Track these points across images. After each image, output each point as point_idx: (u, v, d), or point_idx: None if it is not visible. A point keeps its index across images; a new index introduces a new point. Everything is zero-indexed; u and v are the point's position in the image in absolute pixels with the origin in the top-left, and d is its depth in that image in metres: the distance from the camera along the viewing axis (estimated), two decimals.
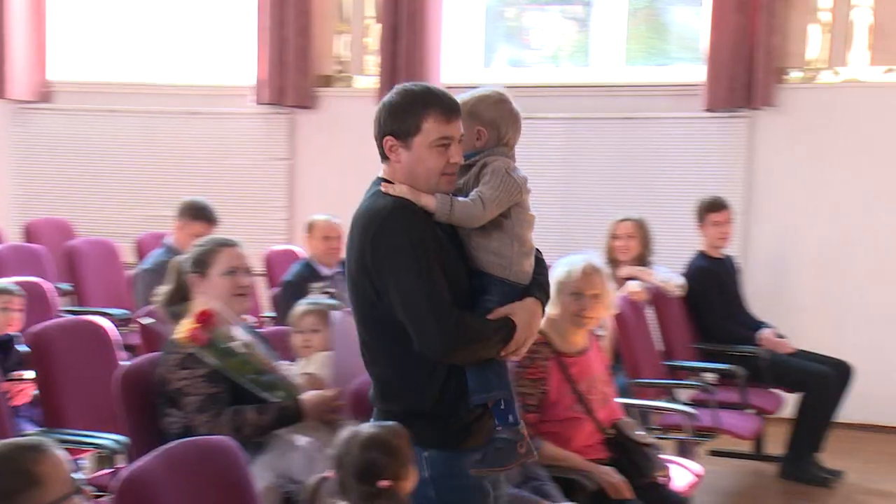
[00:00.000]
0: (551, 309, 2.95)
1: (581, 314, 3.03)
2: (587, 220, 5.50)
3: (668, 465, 3.13)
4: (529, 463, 2.48)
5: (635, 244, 4.61)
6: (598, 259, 3.19)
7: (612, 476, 2.92)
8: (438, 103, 2.27)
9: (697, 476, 3.36)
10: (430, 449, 2.34)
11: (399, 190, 2.28)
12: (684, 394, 4.33)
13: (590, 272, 3.07)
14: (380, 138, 2.32)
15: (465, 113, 2.34)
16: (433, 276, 2.22)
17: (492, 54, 6.22)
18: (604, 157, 5.68)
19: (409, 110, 2.28)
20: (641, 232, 4.63)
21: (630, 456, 3.01)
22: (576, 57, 6.14)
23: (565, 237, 5.15)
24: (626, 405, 3.38)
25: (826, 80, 5.34)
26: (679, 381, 4.31)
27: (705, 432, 3.91)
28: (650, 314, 4.42)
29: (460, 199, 2.30)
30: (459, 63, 5.95)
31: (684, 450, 3.62)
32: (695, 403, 4.06)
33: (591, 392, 3.03)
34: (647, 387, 4.07)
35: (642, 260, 4.63)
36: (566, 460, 2.96)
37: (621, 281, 4.42)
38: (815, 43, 5.34)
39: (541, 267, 2.41)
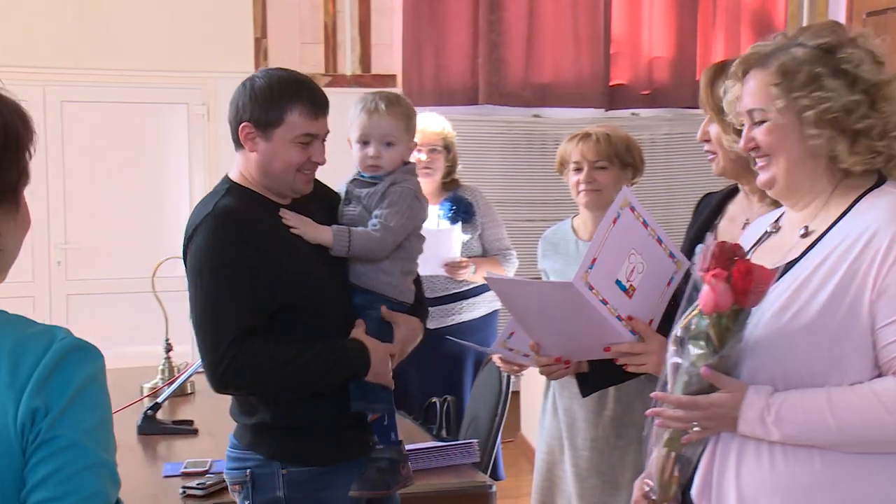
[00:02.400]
0: None
1: None
2: None
3: None
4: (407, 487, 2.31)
5: None
6: None
7: None
8: (307, 97, 2.17)
9: None
10: (289, 465, 2.18)
11: (292, 222, 2.18)
12: None
13: None
14: (235, 124, 2.20)
15: (403, 121, 2.29)
16: (225, 301, 2.10)
17: None
18: None
19: (273, 99, 2.16)
20: None
21: None
22: None
23: None
24: None
25: None
26: None
27: None
28: None
29: (359, 230, 2.23)
30: None
31: None
32: None
33: None
34: None
35: None
36: None
37: None
38: None
39: (419, 287, 2.37)
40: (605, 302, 1.93)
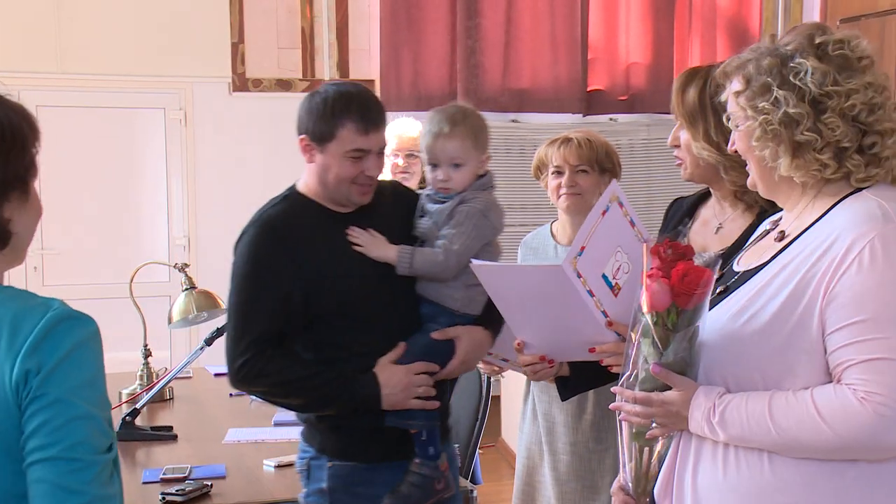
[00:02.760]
0: None
1: None
2: None
3: None
4: (446, 497, 2.34)
5: None
6: None
7: None
8: (358, 113, 2.21)
9: None
10: (335, 459, 2.28)
11: (358, 240, 2.26)
12: None
13: None
14: (297, 135, 2.29)
15: (469, 140, 2.29)
16: (251, 305, 2.23)
17: None
18: None
19: (325, 114, 2.23)
20: None
21: None
22: None
23: None
24: None
25: None
26: None
27: None
28: None
29: (423, 250, 2.26)
30: None
31: None
32: None
33: None
34: None
35: None
36: None
37: None
38: None
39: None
40: (591, 294, 1.96)
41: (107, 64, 5.24)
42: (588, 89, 5.70)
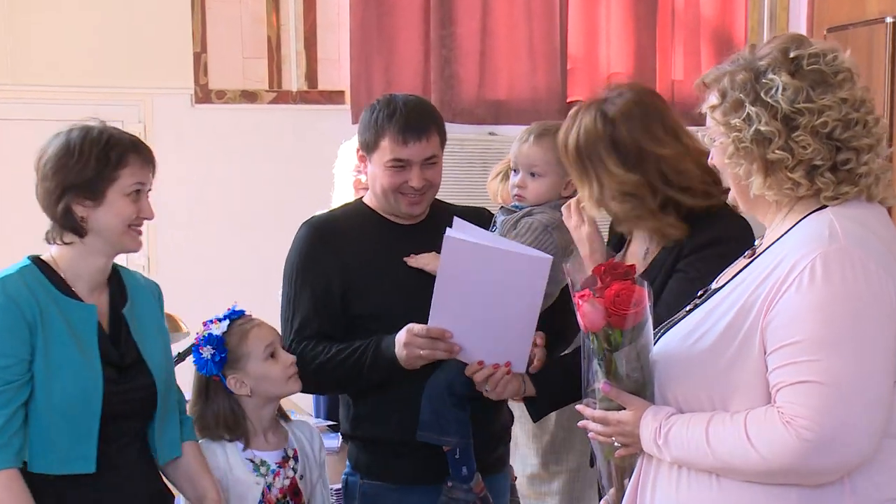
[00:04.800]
0: None
1: None
2: None
3: None
4: None
5: None
6: None
7: None
8: (398, 123, 2.32)
9: None
10: (366, 477, 2.42)
11: (417, 264, 2.40)
12: None
13: None
14: None
15: (553, 153, 2.32)
16: (294, 301, 2.48)
17: None
18: None
19: (370, 125, 2.38)
20: None
21: None
22: None
23: None
24: None
25: None
26: None
27: None
28: None
29: None
30: None
31: None
32: None
33: None
34: None
35: None
36: None
37: None
38: None
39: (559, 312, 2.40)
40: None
41: (61, 75, 5.20)
42: (568, 100, 5.72)
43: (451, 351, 2.26)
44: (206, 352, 2.43)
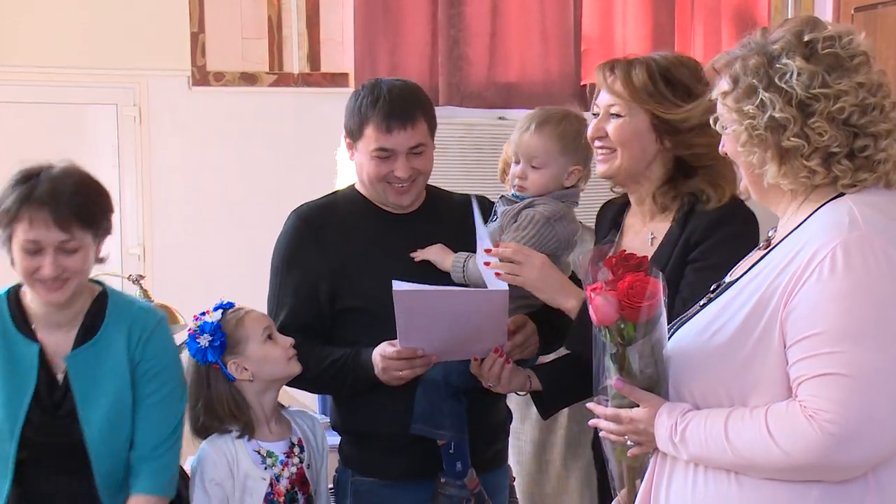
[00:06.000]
0: None
1: None
2: None
3: None
4: None
5: None
6: None
7: None
8: (382, 111, 2.31)
9: None
10: (357, 474, 2.41)
11: (422, 256, 2.40)
12: None
13: None
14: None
15: (554, 143, 2.31)
16: (280, 294, 2.48)
17: None
18: None
19: (354, 112, 2.38)
20: None
21: None
22: None
23: None
24: None
25: None
26: None
27: None
28: None
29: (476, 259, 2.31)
30: None
31: None
32: None
33: None
34: None
35: None
36: None
37: None
38: None
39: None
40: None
41: (52, 56, 5.16)
42: (581, 83, 5.69)
43: (429, 363, 2.27)
44: (204, 340, 2.42)
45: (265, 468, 2.41)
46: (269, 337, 2.45)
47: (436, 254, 2.37)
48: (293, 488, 2.43)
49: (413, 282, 2.29)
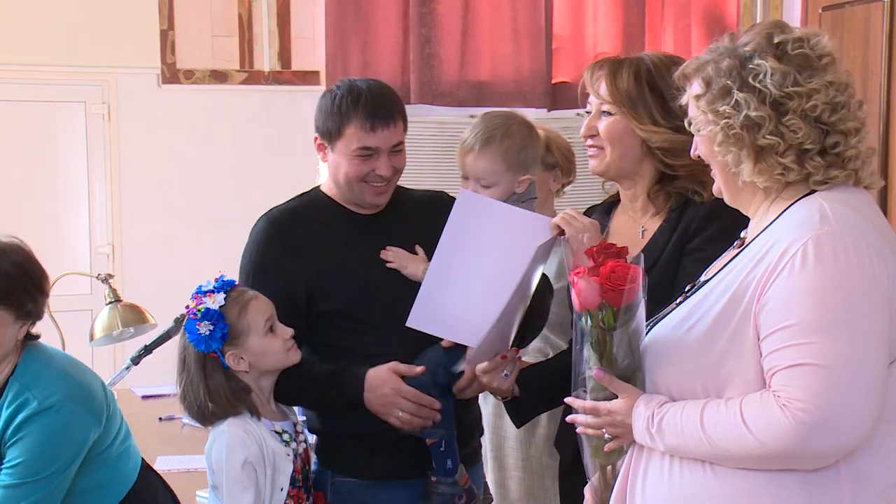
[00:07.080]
0: None
1: None
2: None
3: None
4: None
5: None
6: None
7: None
8: (365, 109, 2.31)
9: None
10: (337, 474, 2.38)
11: (391, 257, 2.38)
12: None
13: None
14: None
15: (500, 163, 2.35)
16: None
17: None
18: None
19: (333, 111, 2.35)
20: None
21: None
22: None
23: None
24: None
25: None
26: None
27: None
28: None
29: None
30: None
31: None
32: None
33: None
34: None
35: None
36: None
37: None
38: None
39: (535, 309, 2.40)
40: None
41: (20, 53, 5.15)
42: (553, 82, 5.74)
43: (433, 419, 2.30)
44: (204, 327, 2.31)
45: (286, 446, 2.35)
46: (271, 329, 2.39)
47: (408, 263, 2.39)
48: (304, 467, 2.41)
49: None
